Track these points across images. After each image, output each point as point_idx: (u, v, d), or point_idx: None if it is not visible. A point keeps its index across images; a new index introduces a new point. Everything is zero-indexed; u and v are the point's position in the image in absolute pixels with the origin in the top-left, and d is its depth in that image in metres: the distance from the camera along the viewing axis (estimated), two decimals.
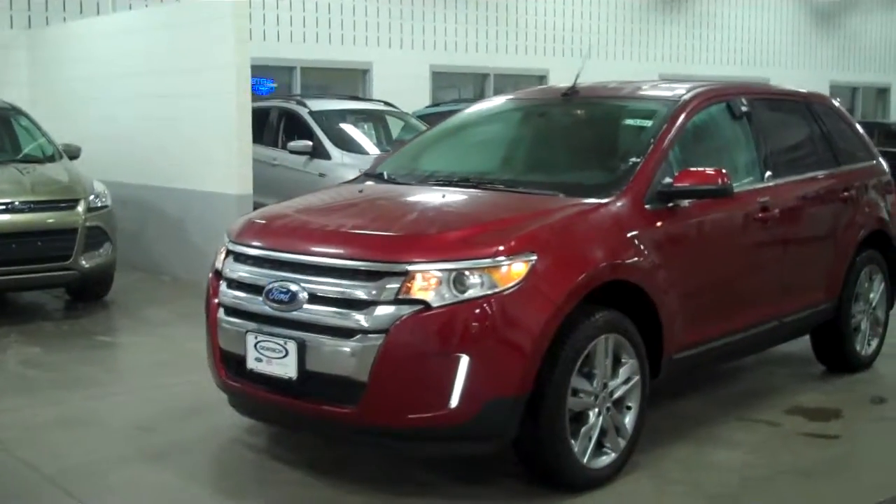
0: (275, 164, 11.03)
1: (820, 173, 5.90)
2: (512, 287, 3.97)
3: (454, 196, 4.70)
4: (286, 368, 4.17)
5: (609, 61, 18.14)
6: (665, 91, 5.38)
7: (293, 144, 10.64)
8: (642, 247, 4.49)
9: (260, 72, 14.63)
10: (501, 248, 4.02)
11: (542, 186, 4.71)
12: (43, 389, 5.87)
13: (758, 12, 20.84)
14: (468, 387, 3.92)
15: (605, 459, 4.38)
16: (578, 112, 5.51)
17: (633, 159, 4.75)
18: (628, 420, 4.49)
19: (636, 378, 4.49)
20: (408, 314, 3.93)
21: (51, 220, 7.67)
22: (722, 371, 6.18)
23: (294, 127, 11.22)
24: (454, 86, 16.32)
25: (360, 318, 3.99)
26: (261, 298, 4.29)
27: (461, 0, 16.30)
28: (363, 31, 15.27)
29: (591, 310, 4.23)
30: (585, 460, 4.27)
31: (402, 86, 15.07)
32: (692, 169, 4.71)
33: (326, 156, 10.47)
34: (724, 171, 4.67)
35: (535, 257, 4.03)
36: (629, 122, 5.19)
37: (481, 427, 3.99)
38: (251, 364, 4.31)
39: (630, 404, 4.51)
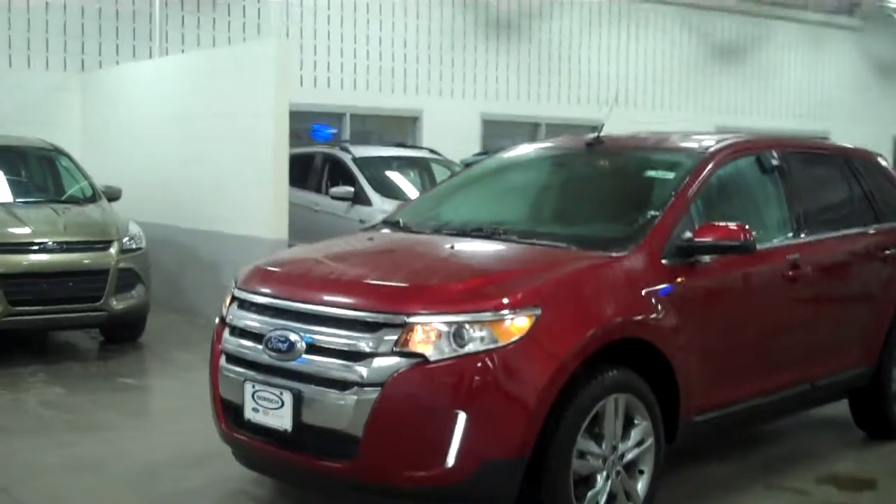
0: (317, 209, 11.02)
1: (858, 231, 5.66)
2: (513, 342, 3.81)
3: (463, 246, 4.57)
4: (282, 420, 4.05)
5: (663, 111, 17.95)
6: (692, 143, 5.20)
7: (335, 190, 10.63)
8: (658, 304, 4.30)
9: (309, 118, 14.76)
10: (504, 301, 3.87)
11: (555, 238, 4.56)
12: (56, 431, 5.83)
13: (819, 65, 20.51)
14: (465, 445, 3.75)
15: None
16: (601, 163, 5.36)
17: (652, 212, 4.57)
18: (640, 485, 4.29)
19: (649, 441, 4.29)
20: (405, 367, 3.79)
21: (82, 261, 7.69)
22: (758, 434, 5.93)
23: (337, 173, 11.22)
24: (505, 135, 16.23)
25: (356, 370, 3.86)
26: (261, 347, 4.19)
27: (513, 49, 16.26)
28: (414, 79, 15.28)
29: (600, 368, 4.05)
30: None
31: (453, 134, 15.04)
32: (713, 223, 4.52)
33: (367, 202, 10.43)
34: (746, 226, 4.48)
35: (539, 312, 3.87)
36: (651, 173, 5.03)
37: (479, 488, 3.82)
38: (248, 414, 4.21)
39: (643, 468, 4.30)
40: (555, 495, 3.92)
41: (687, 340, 4.41)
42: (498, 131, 16.05)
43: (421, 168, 11.83)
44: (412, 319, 3.84)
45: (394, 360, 3.81)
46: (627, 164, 5.26)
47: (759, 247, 4.88)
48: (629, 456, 4.21)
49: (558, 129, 16.20)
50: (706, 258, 4.55)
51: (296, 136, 13.60)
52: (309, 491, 4.54)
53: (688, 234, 4.50)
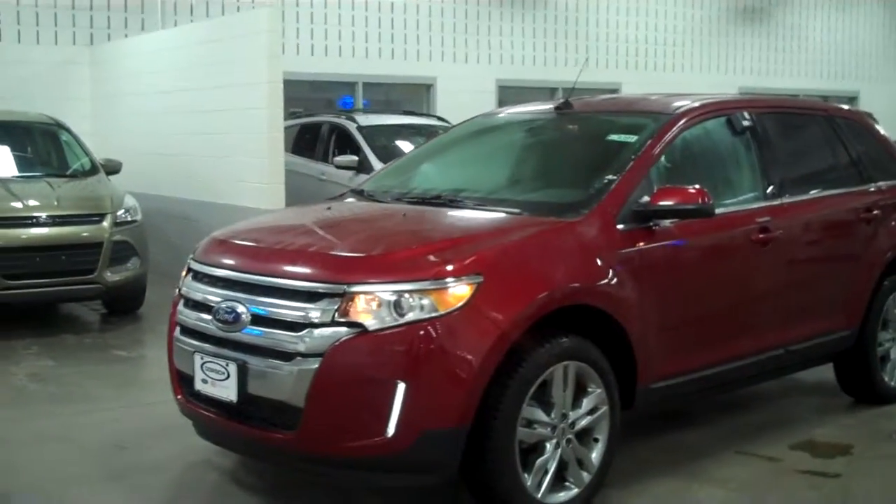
0: (323, 178, 11.00)
1: (839, 192, 5.52)
2: (453, 311, 3.76)
3: (415, 215, 4.52)
4: (227, 391, 4.05)
5: (685, 73, 17.68)
6: (660, 105, 5.09)
7: (339, 159, 10.59)
8: (612, 270, 4.23)
9: (322, 87, 14.72)
10: (444, 269, 3.82)
11: (511, 205, 4.49)
12: (37, 403, 5.89)
13: (847, 24, 20.07)
14: (404, 415, 3.72)
15: (566, 495, 4.12)
16: (566, 127, 5.27)
17: (610, 177, 4.49)
18: (595, 453, 4.23)
19: (603, 409, 4.23)
20: (344, 337, 3.76)
21: (75, 234, 7.74)
22: (740, 399, 5.86)
23: (343, 142, 11.18)
24: (522, 101, 16.08)
25: (297, 341, 3.83)
26: (210, 318, 4.18)
27: (528, 12, 16.07)
28: (427, 46, 15.16)
29: (547, 336, 3.99)
30: (540, 495, 4.02)
31: (468, 101, 14.85)
32: (670, 187, 4.43)
33: (371, 171, 10.38)
34: (703, 189, 4.38)
35: (480, 279, 3.82)
36: (614, 137, 4.93)
37: (419, 458, 3.79)
38: (198, 385, 4.21)
39: (598, 436, 4.25)
40: (499, 464, 3.88)
41: (645, 307, 4.34)
42: (514, 97, 15.90)
43: (428, 136, 11.73)
44: (352, 289, 3.81)
45: (334, 330, 3.78)
46: (592, 128, 5.17)
47: (725, 210, 4.82)
48: (581, 424, 4.16)
49: (577, 95, 16.04)
50: (666, 223, 4.47)
51: (318, 105, 13.68)
52: (261, 461, 4.54)
53: (645, 199, 4.41)
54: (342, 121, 11.41)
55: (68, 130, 9.31)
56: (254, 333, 3.99)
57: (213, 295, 4.23)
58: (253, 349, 3.98)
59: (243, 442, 4.16)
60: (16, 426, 5.38)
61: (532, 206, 4.44)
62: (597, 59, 16.86)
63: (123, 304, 8.41)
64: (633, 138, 4.76)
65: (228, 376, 4.03)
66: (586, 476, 4.19)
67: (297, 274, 3.98)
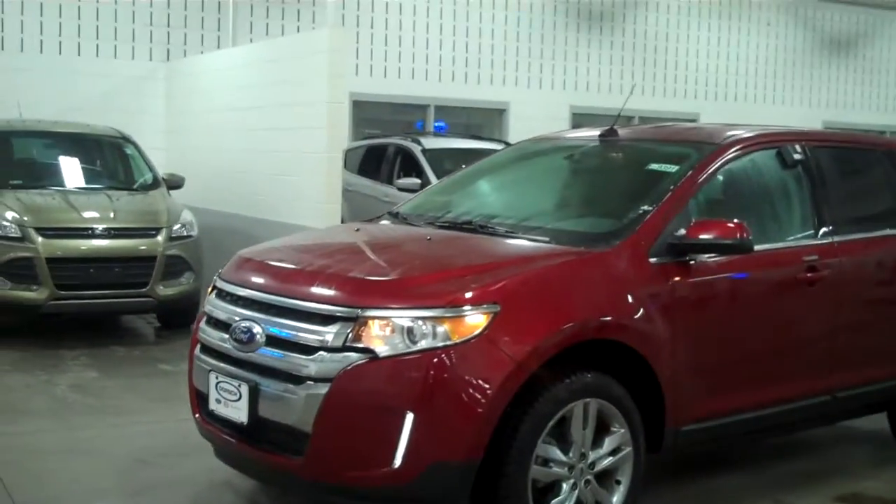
0: (385, 200, 10.96)
1: (891, 231, 5.25)
2: (467, 340, 3.64)
3: (441, 240, 4.41)
4: (239, 412, 3.98)
5: (767, 106, 17.29)
6: (705, 134, 4.91)
7: (401, 182, 10.56)
8: (641, 305, 4.05)
9: (391, 109, 14.72)
10: (459, 297, 3.70)
11: (543, 233, 4.35)
12: (70, 415, 5.91)
13: None
14: (412, 446, 3.61)
15: None
16: (608, 155, 5.11)
17: (645, 207, 4.33)
18: (617, 496, 4.05)
19: (627, 450, 4.05)
20: (354, 363, 3.66)
21: (129, 248, 7.81)
22: (788, 446, 5.61)
23: (407, 164, 11.17)
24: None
25: (308, 364, 3.75)
26: (227, 336, 4.13)
27: (605, 39, 15.89)
28: (501, 70, 15.09)
29: (567, 371, 3.84)
30: None
31: (540, 127, 14.55)
32: (708, 220, 4.24)
33: None
34: (742, 223, 4.19)
35: (497, 309, 3.69)
36: (654, 167, 4.74)
37: (427, 490, 3.67)
38: (212, 405, 4.16)
39: (620, 478, 4.07)
40: (511, 501, 3.74)
41: (677, 344, 4.15)
42: (588, 124, 15.71)
43: None
44: (366, 313, 3.71)
45: (344, 355, 3.69)
46: (634, 157, 5.00)
47: (771, 247, 4.61)
48: (602, 465, 3.99)
49: (652, 123, 15.80)
50: (704, 258, 4.28)
51: (397, 128, 13.70)
52: (273, 486, 4.46)
53: (682, 232, 4.23)
54: (407, 143, 11.40)
55: (134, 144, 9.44)
56: (267, 354, 3.92)
57: (232, 313, 4.17)
58: (266, 371, 3.91)
59: (254, 465, 4.09)
60: (48, 437, 5.40)
61: (563, 236, 4.29)
62: (675, 88, 16.58)
63: (176, 319, 8.45)
64: (673, 168, 4.59)
65: (240, 397, 3.97)
66: None
67: (311, 295, 3.90)
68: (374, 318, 3.70)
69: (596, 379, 3.92)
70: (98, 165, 9.17)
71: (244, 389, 3.94)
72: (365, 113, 14.46)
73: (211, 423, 4.25)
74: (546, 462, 3.84)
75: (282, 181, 9.33)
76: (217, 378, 4.11)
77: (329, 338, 3.73)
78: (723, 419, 4.41)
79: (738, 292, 4.47)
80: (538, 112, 15.11)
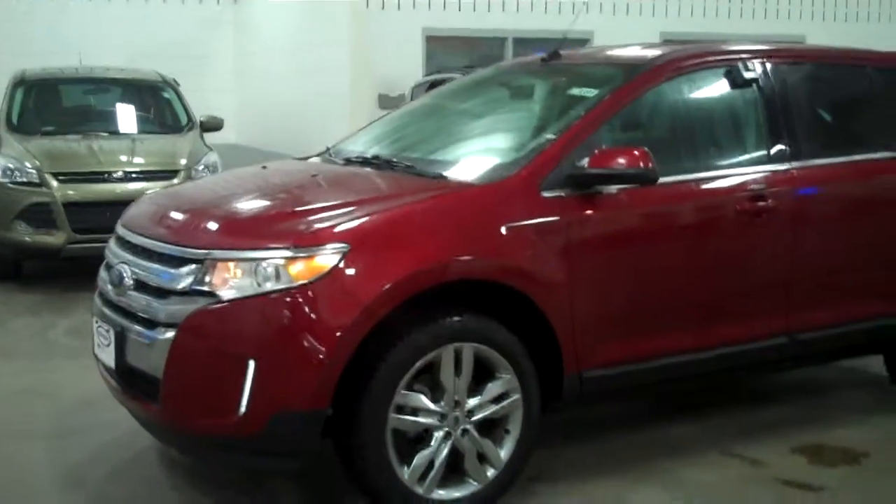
0: None
1: (874, 156, 4.69)
2: (310, 283, 3.41)
3: (329, 178, 4.19)
4: (109, 357, 3.90)
5: (877, 25, 16.03)
6: (638, 55, 4.48)
7: None
8: (527, 241, 3.73)
9: (467, 43, 14.33)
10: (305, 236, 3.48)
11: (440, 167, 4.07)
12: (52, 357, 6.02)
13: None
14: (254, 395, 3.43)
15: (462, 491, 3.71)
16: (543, 81, 4.73)
17: (548, 136, 3.98)
18: (505, 447, 3.79)
19: (515, 397, 3.76)
20: (198, 308, 3.50)
21: (145, 190, 7.82)
22: (771, 389, 5.21)
23: None
24: None
25: (159, 309, 3.62)
26: (107, 279, 4.04)
27: None
28: None
29: (431, 315, 3.58)
30: (423, 490, 3.63)
31: None
32: (609, 149, 3.86)
33: None
34: (644, 150, 3.79)
35: (345, 248, 3.45)
36: (575, 91, 4.37)
37: (271, 442, 3.49)
38: (95, 349, 4.09)
39: (510, 428, 3.80)
40: (368, 453, 3.53)
41: (576, 283, 3.82)
42: None
43: None
44: (211, 255, 3.54)
45: (190, 300, 3.53)
46: (564, 82, 4.61)
47: (702, 175, 4.20)
48: (483, 413, 3.72)
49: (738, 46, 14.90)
50: (612, 189, 3.91)
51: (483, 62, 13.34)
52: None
53: (584, 162, 3.87)
54: (456, 77, 11.06)
55: (174, 87, 9.47)
56: (132, 299, 3.80)
57: (114, 256, 4.08)
58: (130, 315, 3.80)
59: (130, 410, 4.00)
60: (21, 378, 5.49)
61: (459, 169, 4.02)
62: (777, 9, 15.58)
63: None
64: (593, 92, 4.20)
65: (110, 342, 3.88)
66: (490, 472, 3.75)
67: (167, 237, 3.77)
68: (219, 259, 3.52)
69: (469, 322, 3.64)
70: (132, 110, 9.23)
71: (111, 335, 3.85)
72: (441, 48, 14.15)
73: (99, 366, 4.18)
74: (414, 411, 3.60)
75: (310, 121, 9.24)
76: (96, 322, 4.04)
77: (179, 281, 3.58)
78: (639, 364, 4.05)
79: (653, 226, 4.07)
80: (625, 41, 14.39)
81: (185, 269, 3.58)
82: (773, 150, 4.36)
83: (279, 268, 3.44)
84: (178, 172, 8.00)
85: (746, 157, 4.39)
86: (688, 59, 4.34)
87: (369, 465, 3.54)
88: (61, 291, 7.75)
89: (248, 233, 3.60)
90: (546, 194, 3.81)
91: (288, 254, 3.45)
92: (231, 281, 3.49)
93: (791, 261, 4.37)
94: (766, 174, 4.31)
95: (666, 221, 4.09)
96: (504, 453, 3.78)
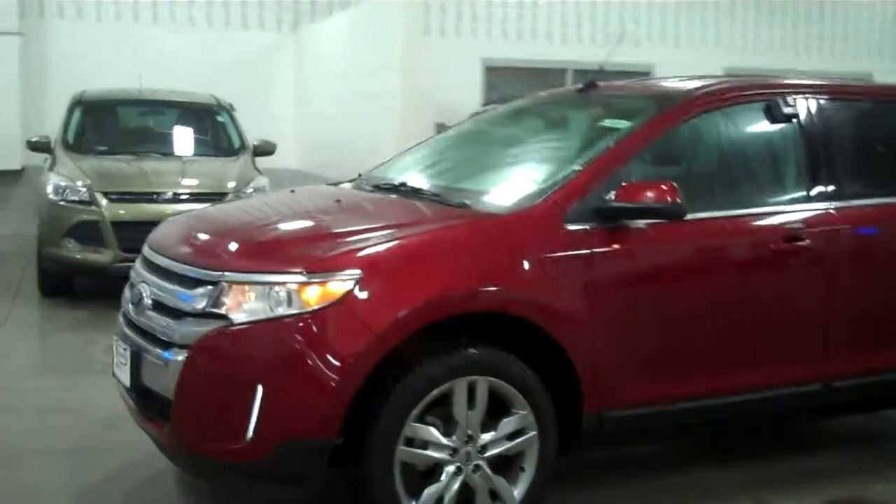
0: None
1: None
2: (322, 309, 3.36)
3: (351, 203, 4.15)
4: (125, 376, 3.89)
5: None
6: (674, 88, 4.37)
7: None
8: (547, 274, 3.64)
9: (528, 73, 14.27)
10: (318, 261, 3.43)
11: (465, 196, 4.00)
12: (82, 374, 6.05)
13: None
14: (262, 421, 3.38)
15: None
16: (577, 112, 4.65)
17: (575, 167, 3.89)
18: (520, 485, 3.68)
19: (531, 434, 3.66)
20: (211, 330, 3.47)
21: None
22: (809, 437, 5.01)
23: None
24: None
25: (174, 330, 3.59)
26: (129, 298, 4.04)
27: None
28: (645, 28, 14.37)
29: (445, 346, 3.50)
30: None
31: None
32: (637, 182, 3.76)
33: None
34: (672, 185, 3.68)
35: (358, 275, 3.40)
36: (608, 123, 4.27)
37: (280, 467, 3.43)
38: (114, 367, 4.08)
39: (525, 466, 3.69)
40: (373, 485, 3.45)
41: (599, 319, 3.72)
42: None
43: None
44: (225, 277, 3.51)
45: (203, 322, 3.50)
46: (598, 113, 4.51)
47: (734, 212, 4.07)
48: (497, 449, 3.62)
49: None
50: (640, 224, 3.80)
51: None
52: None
53: (611, 195, 3.77)
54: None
55: (228, 111, 9.56)
56: (149, 318, 3.79)
57: (137, 276, 4.08)
58: (147, 335, 3.78)
59: (144, 429, 3.97)
60: (49, 395, 5.52)
61: (482, 199, 3.93)
62: (844, 46, 15.28)
63: None
64: (625, 124, 4.11)
65: (127, 361, 3.87)
66: None
67: (185, 257, 3.75)
68: (233, 282, 3.49)
69: (484, 355, 3.55)
70: (186, 132, 9.34)
71: (128, 354, 3.84)
72: (501, 78, 14.13)
73: (118, 386, 4.16)
74: (425, 444, 3.52)
75: (362, 146, 9.24)
76: (116, 341, 4.03)
77: (193, 303, 3.56)
78: (664, 406, 3.92)
79: (681, 264, 3.94)
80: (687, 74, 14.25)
81: (199, 291, 3.56)
82: (813, 189, 4.21)
83: (291, 293, 3.40)
84: (226, 195, 8.03)
85: (784, 195, 4.24)
86: (725, 92, 4.22)
87: (376, 498, 3.47)
88: (105, 309, 7.77)
89: (262, 256, 3.57)
90: (570, 227, 3.71)
91: (300, 279, 3.41)
92: (244, 304, 3.46)
93: (828, 304, 4.21)
94: (804, 213, 4.16)
95: (695, 259, 3.97)
96: (518, 492, 3.68)
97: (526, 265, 3.63)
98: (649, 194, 3.68)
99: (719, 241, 4.01)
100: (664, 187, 3.69)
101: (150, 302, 3.81)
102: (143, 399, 3.81)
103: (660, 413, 3.92)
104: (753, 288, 4.07)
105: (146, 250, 4.16)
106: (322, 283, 3.39)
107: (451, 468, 3.56)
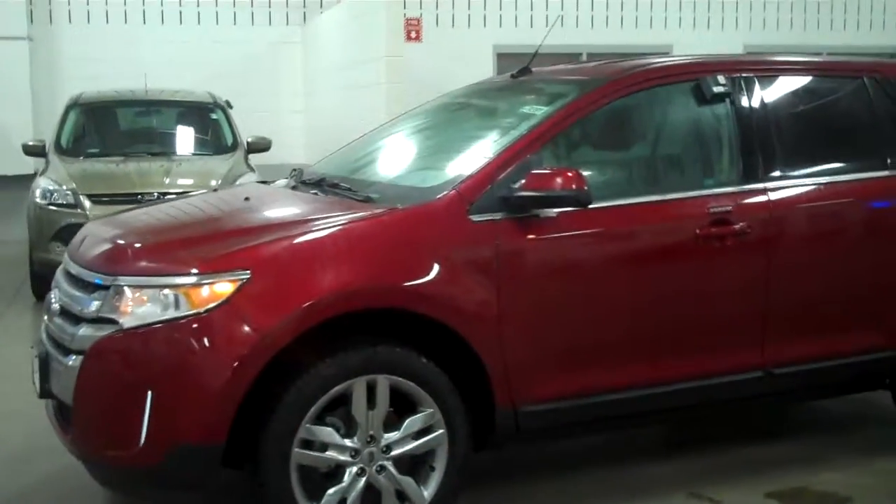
0: None
1: (865, 176, 4.31)
2: (207, 311, 3.30)
3: (256, 201, 4.10)
4: (37, 382, 3.85)
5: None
6: (597, 69, 4.24)
7: None
8: (449, 268, 3.53)
9: (541, 61, 14.06)
10: (204, 262, 3.36)
11: (374, 190, 3.90)
12: None
13: None
14: (153, 427, 3.33)
15: None
16: (503, 100, 4.53)
17: (487, 156, 3.77)
18: (430, 485, 3.59)
19: (439, 432, 3.57)
20: (102, 335, 3.42)
21: None
22: (773, 426, 4.87)
23: None
24: None
25: (71, 335, 3.55)
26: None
27: None
28: (661, 10, 14.06)
29: (339, 345, 3.42)
30: None
31: None
32: (541, 170, 3.62)
33: None
34: (577, 172, 3.56)
35: (246, 276, 3.32)
36: (526, 109, 4.14)
37: (174, 473, 3.38)
38: (33, 375, 4.05)
39: (435, 465, 3.60)
40: (271, 490, 3.39)
41: (509, 313, 3.61)
42: None
43: None
44: (116, 281, 3.46)
45: (95, 327, 3.46)
46: (522, 99, 4.39)
47: (654, 198, 3.93)
48: (402, 449, 3.53)
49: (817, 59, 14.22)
50: (550, 213, 3.68)
51: None
52: None
53: (517, 184, 3.65)
54: None
55: (223, 109, 9.54)
56: (55, 325, 3.76)
57: (53, 283, 4.05)
58: (53, 342, 3.75)
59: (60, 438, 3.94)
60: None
61: (392, 193, 3.83)
62: (871, 20, 14.84)
63: None
64: (540, 110, 3.98)
65: (37, 368, 3.84)
66: None
67: (85, 262, 3.72)
68: (123, 286, 3.44)
69: (383, 353, 3.47)
70: (178, 131, 9.36)
71: (36, 361, 3.81)
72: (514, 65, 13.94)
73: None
74: (324, 446, 3.44)
75: (348, 139, 9.17)
76: (32, 347, 4.01)
77: (87, 307, 3.52)
78: (585, 399, 3.80)
79: (594, 253, 3.81)
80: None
81: (95, 295, 3.52)
82: (744, 171, 4.04)
83: (178, 295, 3.34)
84: None
85: (712, 178, 4.09)
86: (647, 73, 4.08)
87: (272, 501, 3.40)
88: None
89: (152, 259, 3.51)
90: (475, 218, 3.60)
91: (187, 280, 3.35)
92: (135, 308, 3.40)
93: (765, 290, 4.04)
94: (734, 195, 4.00)
95: (609, 248, 3.83)
96: (428, 492, 3.59)
97: (425, 259, 3.52)
98: (554, 181, 3.56)
99: (635, 227, 3.86)
100: (569, 174, 3.56)
101: (57, 308, 3.79)
102: (57, 407, 3.78)
103: (580, 407, 3.80)
104: (677, 276, 3.92)
105: (64, 256, 4.12)
106: (208, 285, 3.33)
107: (353, 469, 3.48)
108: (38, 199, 7.96)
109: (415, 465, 3.59)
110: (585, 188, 3.55)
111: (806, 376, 4.21)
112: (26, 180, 9.60)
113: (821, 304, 4.18)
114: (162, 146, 9.00)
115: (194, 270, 3.34)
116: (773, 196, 4.06)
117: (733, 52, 14.04)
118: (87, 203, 7.77)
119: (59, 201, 7.84)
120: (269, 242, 3.46)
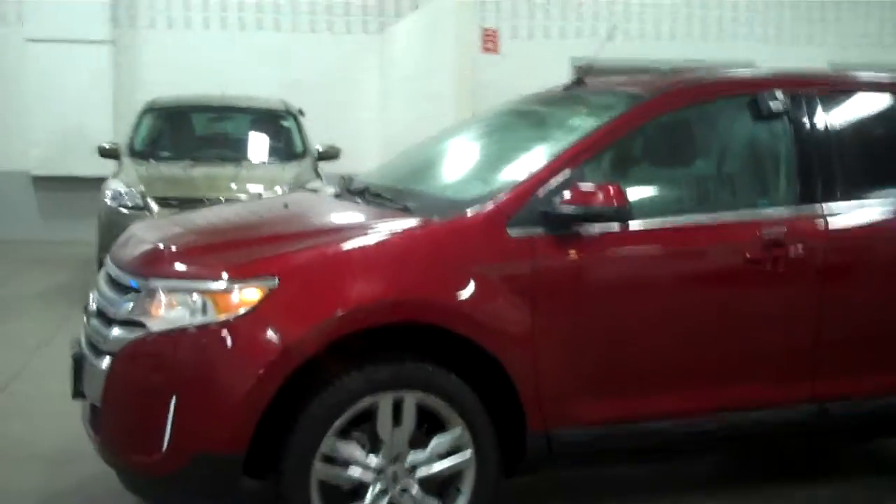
0: None
1: None
2: (234, 318, 3.25)
3: (297, 208, 4.06)
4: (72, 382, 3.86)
5: None
6: (645, 84, 4.08)
7: None
8: (483, 283, 3.43)
9: (623, 73, 13.85)
10: (232, 268, 3.32)
11: (415, 200, 3.81)
12: None
13: None
14: (177, 432, 3.30)
15: None
16: (554, 112, 4.40)
17: (532, 170, 3.65)
18: None
19: (467, 454, 3.46)
20: (132, 338, 3.41)
21: None
22: (824, 464, 4.63)
23: None
24: None
25: (104, 337, 3.55)
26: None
27: None
28: (744, 25, 13.75)
29: (367, 359, 3.34)
30: None
31: None
32: (583, 185, 3.50)
33: None
34: (617, 187, 3.44)
35: (274, 283, 3.27)
36: (575, 122, 4.01)
37: (193, 484, 3.35)
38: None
39: (462, 487, 3.50)
40: (288, 503, 3.33)
41: (545, 332, 3.49)
42: None
43: None
44: (148, 284, 3.44)
45: (126, 330, 3.44)
46: (570, 111, 4.26)
47: (709, 217, 3.76)
48: (429, 470, 3.44)
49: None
50: (593, 230, 3.55)
51: None
52: None
53: (558, 199, 3.54)
54: None
55: (294, 117, 9.58)
56: (91, 326, 3.76)
57: (94, 284, 4.06)
58: (89, 342, 3.75)
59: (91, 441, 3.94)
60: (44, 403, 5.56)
61: (432, 203, 3.73)
62: None
63: None
64: (588, 123, 3.86)
65: (73, 368, 3.84)
66: None
67: (124, 265, 3.71)
68: (154, 289, 3.42)
69: (411, 369, 3.38)
70: (249, 137, 9.41)
71: (71, 360, 3.81)
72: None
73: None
74: (347, 463, 3.37)
75: None
76: (72, 348, 4.01)
77: (119, 310, 3.51)
78: (624, 426, 3.65)
79: (639, 274, 3.66)
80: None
81: (128, 297, 3.51)
82: (801, 192, 3.86)
83: (206, 300, 3.30)
84: None
85: (767, 198, 3.90)
86: (702, 87, 3.94)
87: None
88: None
89: (184, 262, 3.48)
90: (514, 233, 3.50)
91: (216, 286, 3.31)
92: (165, 312, 3.37)
93: (818, 319, 3.85)
94: (788, 218, 3.81)
95: (653, 269, 3.68)
96: None
97: (457, 273, 3.43)
98: (595, 197, 3.43)
99: (681, 249, 3.70)
100: (609, 190, 3.44)
101: (94, 309, 3.79)
102: (90, 408, 3.78)
103: (617, 433, 3.66)
104: (723, 300, 3.75)
105: (107, 258, 4.13)
106: (236, 291, 3.28)
107: (376, 488, 3.40)
108: (107, 201, 8.06)
109: (441, 486, 3.50)
110: (626, 204, 3.42)
111: (861, 413, 3.99)
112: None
113: (879, 337, 3.96)
114: (232, 152, 9.06)
115: (223, 276, 3.30)
116: (827, 219, 3.86)
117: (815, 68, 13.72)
118: (153, 206, 7.85)
119: (128, 203, 7.93)
120: (299, 251, 3.40)
